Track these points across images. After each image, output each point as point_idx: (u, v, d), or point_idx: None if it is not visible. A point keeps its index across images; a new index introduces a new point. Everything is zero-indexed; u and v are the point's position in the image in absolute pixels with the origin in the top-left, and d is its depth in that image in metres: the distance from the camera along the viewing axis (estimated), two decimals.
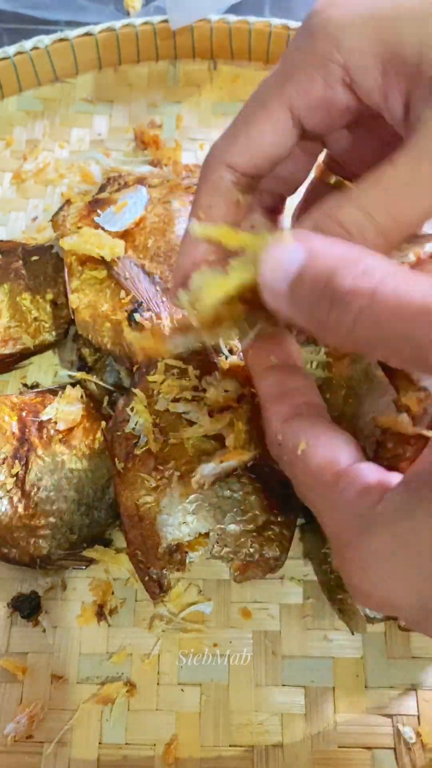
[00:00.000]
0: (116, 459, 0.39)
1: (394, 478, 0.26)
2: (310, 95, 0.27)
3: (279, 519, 0.39)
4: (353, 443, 0.28)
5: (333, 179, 0.34)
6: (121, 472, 0.39)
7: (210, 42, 0.63)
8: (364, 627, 0.39)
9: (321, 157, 0.34)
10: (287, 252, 0.24)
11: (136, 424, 0.40)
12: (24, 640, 0.42)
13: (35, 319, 0.48)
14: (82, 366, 0.48)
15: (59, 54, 0.62)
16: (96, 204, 0.48)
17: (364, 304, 0.21)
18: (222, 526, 0.38)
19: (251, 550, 0.38)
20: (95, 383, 0.46)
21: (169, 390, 0.39)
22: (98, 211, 0.46)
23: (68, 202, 0.49)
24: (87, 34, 0.62)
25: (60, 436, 0.43)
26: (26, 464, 0.42)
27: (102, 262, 0.44)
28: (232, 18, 0.62)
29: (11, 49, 0.60)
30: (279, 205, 0.34)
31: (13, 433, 0.43)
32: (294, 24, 0.62)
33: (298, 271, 0.23)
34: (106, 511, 0.43)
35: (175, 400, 0.39)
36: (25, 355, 0.49)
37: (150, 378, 0.40)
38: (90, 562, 0.43)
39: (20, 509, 0.42)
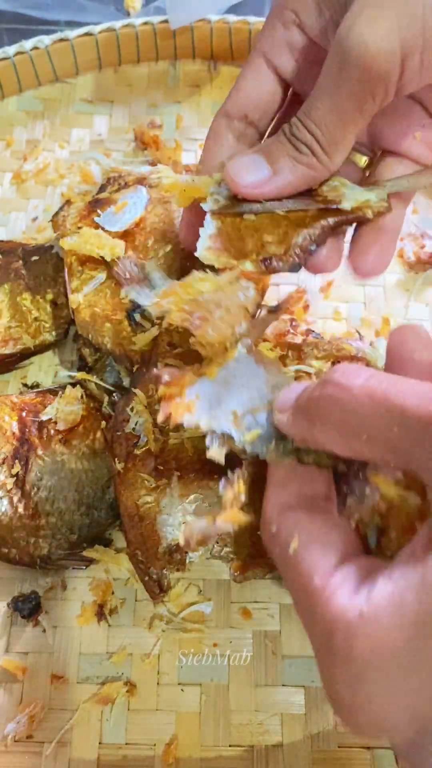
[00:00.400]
0: (116, 459, 0.39)
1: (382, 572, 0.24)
2: (275, 39, 0.33)
3: None
4: (349, 539, 0.27)
5: (362, 161, 0.37)
6: (121, 472, 0.39)
7: (210, 42, 0.63)
8: None
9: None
10: (289, 393, 0.29)
11: (136, 424, 0.40)
12: (24, 640, 0.42)
13: (35, 319, 0.48)
14: (82, 366, 0.48)
15: (59, 54, 0.62)
16: (96, 204, 0.48)
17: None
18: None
19: (252, 550, 0.38)
20: (95, 383, 0.46)
21: None
22: (98, 211, 0.46)
23: (68, 202, 0.49)
24: (87, 34, 0.62)
25: (60, 436, 0.43)
26: (26, 464, 0.42)
27: (102, 262, 0.44)
28: (232, 18, 0.62)
29: (11, 49, 0.60)
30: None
31: (14, 433, 0.43)
32: None
33: (305, 389, 0.28)
34: (106, 511, 0.43)
35: None
36: (25, 355, 0.49)
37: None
38: (90, 562, 0.43)
39: (20, 509, 0.42)
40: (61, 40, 0.61)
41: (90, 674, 0.41)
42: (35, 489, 0.42)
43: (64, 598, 0.43)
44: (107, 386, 0.46)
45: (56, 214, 0.50)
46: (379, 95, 0.30)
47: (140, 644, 0.42)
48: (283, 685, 0.41)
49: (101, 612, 0.42)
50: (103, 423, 0.44)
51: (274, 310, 0.34)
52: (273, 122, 0.37)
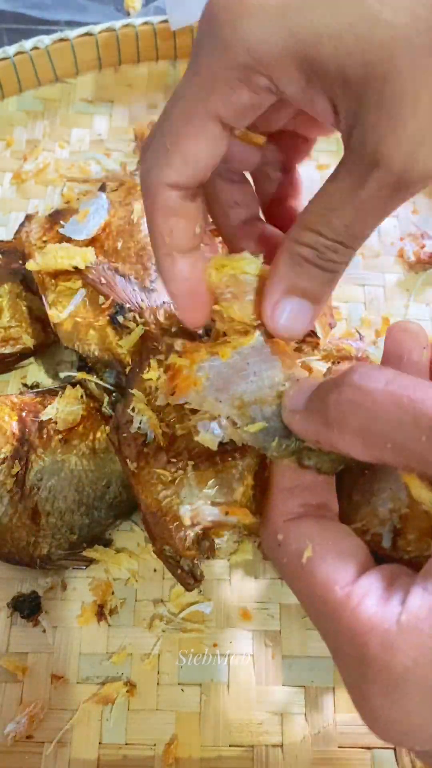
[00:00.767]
0: (128, 460, 0.39)
1: (412, 578, 0.23)
2: (237, 104, 0.26)
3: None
4: (361, 546, 0.26)
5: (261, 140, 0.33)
6: (135, 473, 0.39)
7: None
8: None
9: None
10: (301, 390, 0.29)
11: (141, 423, 0.40)
12: (24, 640, 0.42)
13: (36, 319, 0.48)
14: (82, 366, 0.48)
15: (59, 54, 0.62)
16: (57, 215, 0.48)
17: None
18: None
19: None
20: (95, 383, 0.46)
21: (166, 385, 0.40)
22: (61, 222, 0.46)
23: (28, 217, 0.49)
24: (87, 34, 0.62)
25: (60, 436, 0.43)
26: (26, 464, 0.42)
27: (75, 272, 0.44)
28: None
29: (11, 49, 0.61)
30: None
31: (14, 433, 0.43)
32: None
33: (317, 388, 0.28)
34: (106, 511, 0.43)
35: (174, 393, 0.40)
36: (25, 355, 0.49)
37: (145, 376, 0.41)
38: (90, 562, 0.43)
39: (20, 509, 0.42)
40: (61, 40, 0.61)
41: (90, 674, 0.41)
42: (35, 489, 0.42)
43: (64, 598, 0.43)
44: (107, 386, 0.46)
45: (18, 231, 0.49)
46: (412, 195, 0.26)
47: (140, 644, 0.42)
48: (283, 685, 0.41)
49: (101, 612, 0.42)
50: (106, 427, 0.44)
51: None
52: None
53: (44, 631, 0.42)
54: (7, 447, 0.43)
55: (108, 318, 0.43)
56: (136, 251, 0.45)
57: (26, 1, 0.68)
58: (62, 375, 0.50)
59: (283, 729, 0.40)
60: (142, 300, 0.43)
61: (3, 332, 0.48)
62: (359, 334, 0.48)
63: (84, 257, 0.44)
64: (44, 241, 0.46)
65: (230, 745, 0.39)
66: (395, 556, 0.27)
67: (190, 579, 0.38)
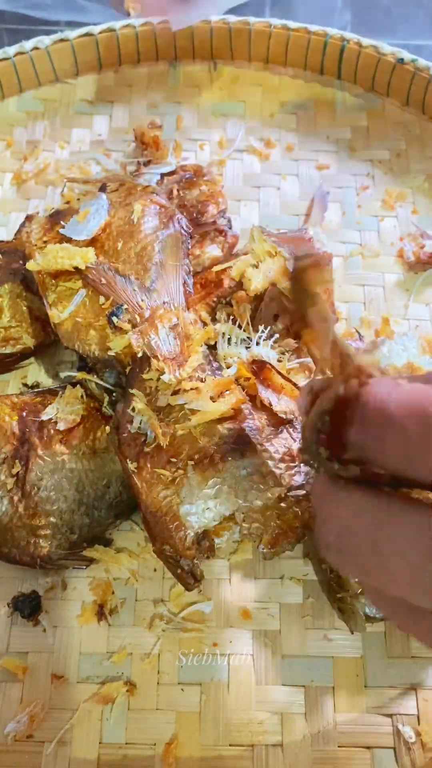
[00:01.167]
0: (128, 460, 0.39)
1: None
2: None
3: (299, 488, 0.40)
4: None
5: None
6: (135, 473, 0.39)
7: (210, 43, 0.64)
8: (363, 626, 0.39)
9: None
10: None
11: (141, 423, 0.40)
12: (24, 640, 0.42)
13: (36, 319, 0.48)
14: (82, 366, 0.48)
15: (59, 54, 0.62)
16: (57, 216, 0.48)
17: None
18: (247, 504, 0.39)
19: (279, 521, 0.39)
20: (95, 383, 0.46)
21: (167, 386, 0.40)
22: (61, 222, 0.47)
23: (28, 217, 0.49)
24: (87, 34, 0.62)
25: (60, 436, 0.43)
26: (27, 464, 0.42)
27: (75, 272, 0.44)
28: (232, 18, 0.62)
29: (11, 50, 0.61)
30: None
31: (14, 433, 0.43)
32: (294, 24, 0.62)
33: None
34: (106, 511, 0.43)
35: (175, 393, 0.40)
36: (25, 355, 0.49)
37: (145, 376, 0.41)
38: (90, 561, 0.43)
39: (21, 509, 0.42)
40: (62, 40, 0.61)
41: (90, 674, 0.41)
42: (35, 489, 0.42)
43: (64, 598, 0.43)
44: (107, 386, 0.46)
45: (18, 231, 0.50)
46: None
47: (140, 644, 0.42)
48: (283, 685, 0.41)
49: (101, 612, 0.42)
50: (106, 427, 0.44)
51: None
52: None
53: (44, 630, 0.42)
54: (8, 447, 0.43)
55: (107, 317, 0.43)
56: (136, 251, 0.45)
57: (26, 2, 0.68)
58: (62, 375, 0.50)
59: (283, 729, 0.40)
60: (142, 300, 0.43)
61: (3, 332, 0.48)
62: (359, 334, 0.48)
63: (84, 257, 0.44)
64: (44, 242, 0.46)
65: (230, 745, 0.39)
66: None
67: (190, 579, 0.38)
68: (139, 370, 0.41)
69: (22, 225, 0.49)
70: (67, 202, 0.50)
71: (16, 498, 0.42)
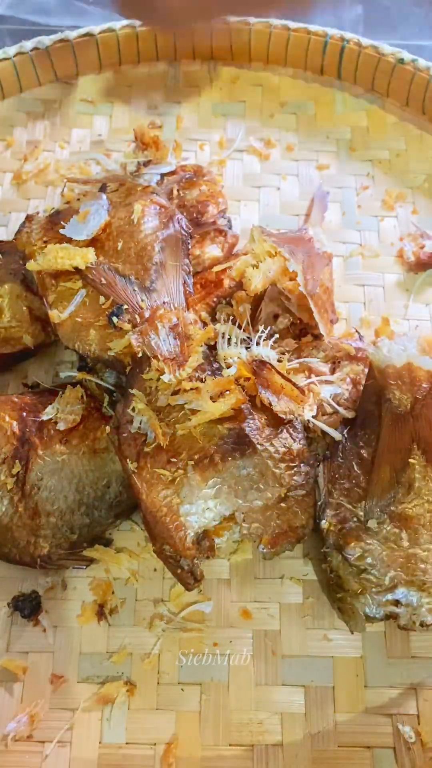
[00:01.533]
0: (128, 460, 0.39)
1: None
2: None
3: (299, 488, 0.40)
4: None
5: None
6: (135, 472, 0.39)
7: (210, 42, 0.64)
8: (363, 626, 0.39)
9: None
10: None
11: (141, 423, 0.40)
12: (24, 640, 0.42)
13: (36, 319, 0.48)
14: (82, 366, 0.48)
15: (60, 55, 0.62)
16: (57, 216, 0.48)
17: None
18: (247, 504, 0.39)
19: (279, 521, 0.39)
20: (96, 383, 0.46)
21: (167, 386, 0.40)
22: (61, 222, 0.46)
23: (28, 217, 0.49)
24: (87, 34, 0.62)
25: (60, 436, 0.43)
26: (27, 464, 0.42)
27: (75, 272, 0.44)
28: (233, 18, 0.62)
29: (12, 50, 0.61)
30: None
31: (14, 433, 0.43)
32: (294, 24, 0.62)
33: None
34: (106, 511, 0.43)
35: (175, 393, 0.40)
36: (25, 355, 0.49)
37: (145, 376, 0.41)
38: (90, 561, 0.43)
39: (21, 509, 0.42)
40: (62, 40, 0.61)
41: (90, 674, 0.41)
42: (35, 489, 0.42)
43: (64, 598, 0.43)
44: (108, 386, 0.46)
45: (18, 232, 0.50)
46: None
47: (140, 644, 0.42)
48: (283, 685, 0.41)
49: (101, 612, 0.42)
50: (106, 427, 0.44)
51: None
52: None
53: (44, 630, 0.42)
54: (8, 447, 0.43)
55: (107, 317, 0.43)
56: (136, 252, 0.45)
57: (29, 7, 0.68)
58: (62, 375, 0.50)
59: (283, 729, 0.40)
60: (142, 300, 0.43)
61: (3, 332, 0.48)
62: (359, 334, 0.48)
63: (84, 257, 0.44)
64: (45, 242, 0.46)
65: (230, 745, 0.39)
66: None
67: (190, 579, 0.38)
68: (139, 370, 0.41)
69: (22, 225, 0.49)
70: (67, 202, 0.50)
71: (16, 498, 0.42)
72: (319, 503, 0.40)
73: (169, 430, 0.40)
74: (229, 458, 0.39)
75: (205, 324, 0.46)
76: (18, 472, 0.42)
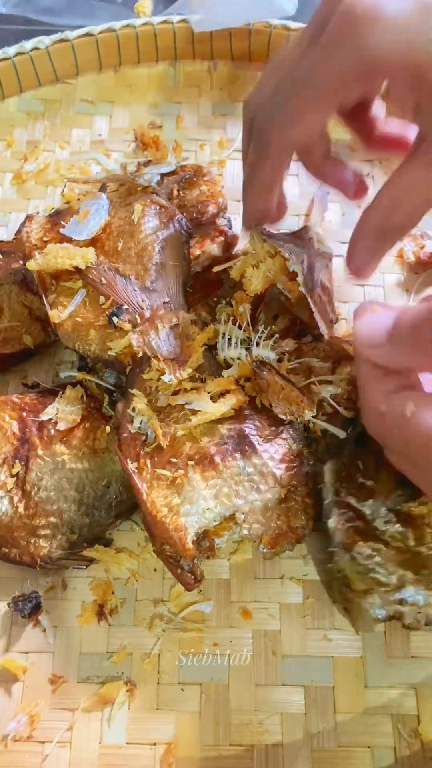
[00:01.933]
0: (128, 460, 0.40)
1: None
2: (356, 96, 0.34)
3: (299, 489, 0.40)
4: None
5: None
6: (135, 473, 0.39)
7: (210, 43, 0.64)
8: (370, 626, 0.39)
9: None
10: (380, 315, 0.34)
11: (141, 423, 0.40)
12: (24, 640, 0.42)
13: (36, 319, 0.48)
14: (82, 366, 0.48)
15: (60, 55, 0.62)
16: (57, 216, 0.48)
17: None
18: (247, 504, 0.39)
19: (279, 522, 0.39)
20: (96, 383, 0.46)
21: (167, 386, 0.40)
22: (61, 222, 0.47)
23: (28, 217, 0.49)
24: (87, 34, 0.62)
25: (60, 436, 0.44)
26: (27, 464, 0.42)
27: (75, 272, 0.44)
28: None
29: (12, 50, 0.61)
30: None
31: (14, 433, 0.43)
32: (294, 24, 0.62)
33: (395, 323, 0.32)
34: (106, 511, 0.43)
35: (175, 393, 0.40)
36: (25, 355, 0.49)
37: (145, 376, 0.41)
38: (90, 561, 0.43)
39: (21, 509, 0.42)
40: (62, 40, 0.61)
41: (90, 674, 0.41)
42: (35, 489, 0.42)
43: (64, 598, 0.43)
44: (108, 386, 0.46)
45: (18, 231, 0.49)
46: None
47: (140, 644, 0.42)
48: (283, 685, 0.41)
49: (101, 612, 0.42)
50: (106, 427, 0.44)
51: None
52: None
53: (44, 630, 0.42)
54: (8, 447, 0.43)
55: (107, 317, 0.43)
56: (136, 251, 0.45)
57: (36, 6, 0.68)
58: (62, 375, 0.50)
59: (283, 729, 0.40)
60: (142, 300, 0.43)
61: (3, 332, 0.48)
62: None
63: (84, 257, 0.44)
64: (45, 242, 0.46)
65: (230, 745, 0.39)
66: None
67: (190, 579, 0.38)
68: (139, 370, 0.41)
69: (22, 225, 0.49)
70: (67, 202, 0.50)
71: (16, 498, 0.42)
72: (326, 502, 0.40)
73: (170, 431, 0.40)
74: (230, 459, 0.39)
75: (205, 324, 0.46)
76: (18, 472, 0.42)
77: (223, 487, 0.39)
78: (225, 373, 0.42)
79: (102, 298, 0.43)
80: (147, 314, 0.43)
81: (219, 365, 0.43)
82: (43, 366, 0.50)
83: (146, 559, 0.44)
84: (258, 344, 0.43)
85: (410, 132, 0.40)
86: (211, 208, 0.51)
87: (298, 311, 0.46)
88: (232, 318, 0.46)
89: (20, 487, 0.42)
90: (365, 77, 0.33)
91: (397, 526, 0.39)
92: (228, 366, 0.43)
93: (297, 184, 0.59)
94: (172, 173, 0.54)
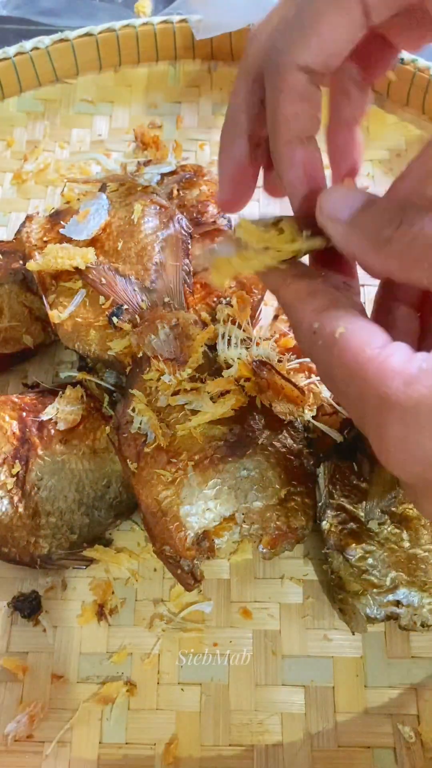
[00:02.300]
0: (128, 460, 0.40)
1: None
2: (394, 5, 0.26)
3: (299, 489, 0.40)
4: (386, 333, 0.28)
5: None
6: (135, 473, 0.39)
7: (210, 42, 0.64)
8: (364, 627, 0.39)
9: None
10: (353, 193, 0.28)
11: (141, 423, 0.40)
12: (24, 640, 0.42)
13: (36, 319, 0.48)
14: (82, 366, 0.48)
15: (59, 55, 0.62)
16: (57, 216, 0.48)
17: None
18: (247, 505, 0.39)
19: (279, 522, 0.39)
20: (96, 383, 0.46)
21: (167, 386, 0.40)
22: (61, 222, 0.47)
23: (28, 217, 0.49)
24: (87, 34, 0.62)
25: (60, 436, 0.44)
26: (27, 464, 0.42)
27: (75, 272, 0.44)
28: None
29: (11, 50, 0.61)
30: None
31: (14, 433, 0.43)
32: None
33: (363, 203, 0.28)
34: (106, 511, 0.43)
35: (175, 393, 0.40)
36: (25, 355, 0.49)
37: (146, 377, 0.41)
38: (90, 561, 0.43)
39: (21, 509, 0.42)
40: (62, 40, 0.61)
41: (90, 674, 0.41)
42: (35, 489, 0.42)
43: (64, 598, 0.43)
44: (108, 386, 0.46)
45: (18, 231, 0.49)
46: None
47: (140, 644, 0.42)
48: (283, 685, 0.41)
49: (101, 612, 0.42)
50: (107, 427, 0.44)
51: None
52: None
53: (44, 630, 0.42)
54: (8, 447, 0.43)
55: (107, 317, 0.43)
56: (136, 251, 0.45)
57: (36, 8, 0.68)
58: (62, 375, 0.50)
59: (283, 729, 0.40)
60: (142, 300, 0.43)
61: (3, 332, 0.48)
62: None
63: (84, 257, 0.44)
64: (45, 242, 0.46)
65: (230, 745, 0.39)
66: None
67: (190, 579, 0.38)
68: (139, 370, 0.41)
69: (22, 225, 0.49)
70: (67, 202, 0.50)
71: (16, 498, 0.42)
72: (320, 504, 0.40)
73: (170, 431, 0.40)
74: (230, 459, 0.39)
75: (205, 324, 0.46)
76: (18, 472, 0.42)
77: (223, 487, 0.39)
78: (225, 373, 0.42)
79: (102, 298, 0.43)
80: (147, 314, 0.43)
81: (219, 365, 0.43)
82: (43, 366, 0.50)
83: (146, 559, 0.44)
84: (258, 344, 0.43)
85: None
86: (211, 208, 0.51)
87: None
88: (231, 318, 0.46)
89: (20, 487, 0.42)
90: None
91: (392, 527, 0.39)
92: (228, 366, 0.43)
93: None
94: (172, 173, 0.54)
